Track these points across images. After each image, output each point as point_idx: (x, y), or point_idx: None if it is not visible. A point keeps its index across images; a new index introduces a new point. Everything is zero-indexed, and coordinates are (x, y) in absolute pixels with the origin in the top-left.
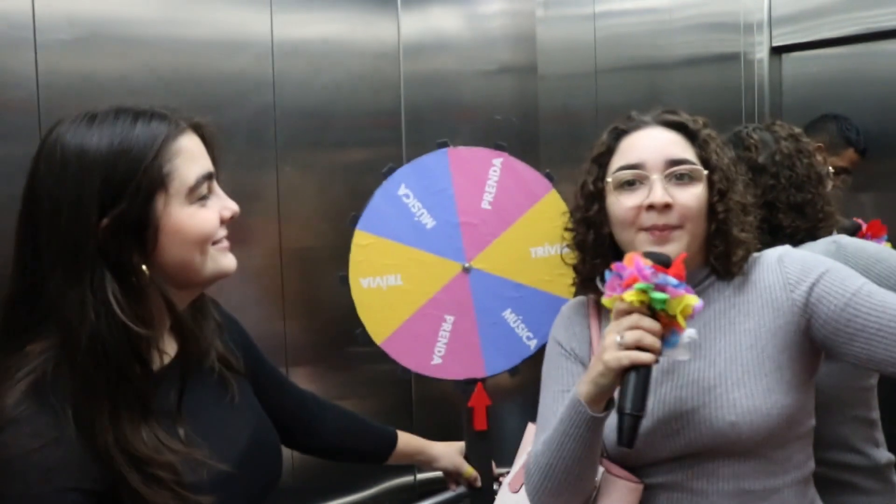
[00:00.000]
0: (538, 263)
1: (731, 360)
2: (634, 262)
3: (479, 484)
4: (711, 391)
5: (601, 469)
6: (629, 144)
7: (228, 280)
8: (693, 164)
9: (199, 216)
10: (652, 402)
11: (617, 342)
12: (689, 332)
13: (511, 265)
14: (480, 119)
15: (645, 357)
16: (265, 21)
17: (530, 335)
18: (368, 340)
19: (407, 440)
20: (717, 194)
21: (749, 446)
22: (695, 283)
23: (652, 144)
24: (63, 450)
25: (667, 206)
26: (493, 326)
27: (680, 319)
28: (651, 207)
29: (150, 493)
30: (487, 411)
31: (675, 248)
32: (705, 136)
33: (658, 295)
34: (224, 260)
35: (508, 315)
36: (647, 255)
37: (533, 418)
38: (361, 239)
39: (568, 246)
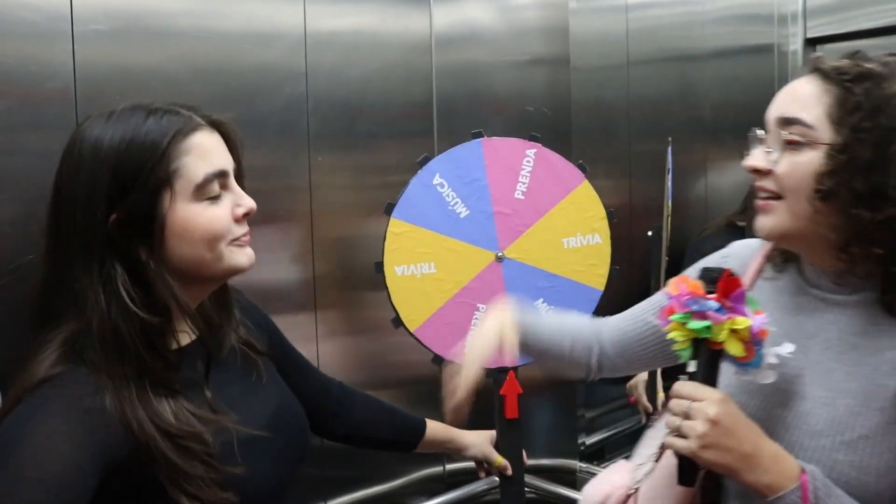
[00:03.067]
0: (570, 254)
1: (854, 413)
2: (676, 288)
3: (509, 472)
4: (816, 437)
5: None
6: None
7: (260, 270)
8: (805, 124)
9: (206, 214)
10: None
11: (670, 424)
12: (773, 351)
13: (543, 255)
14: (512, 111)
15: (677, 444)
16: (298, 13)
17: None
18: (402, 328)
19: (436, 428)
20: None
21: None
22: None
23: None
24: (101, 403)
25: (757, 171)
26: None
27: (731, 346)
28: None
29: (186, 465)
30: (519, 400)
31: (770, 221)
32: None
33: (696, 324)
34: (238, 256)
35: (540, 304)
36: (704, 271)
37: (563, 407)
38: (396, 227)
39: None
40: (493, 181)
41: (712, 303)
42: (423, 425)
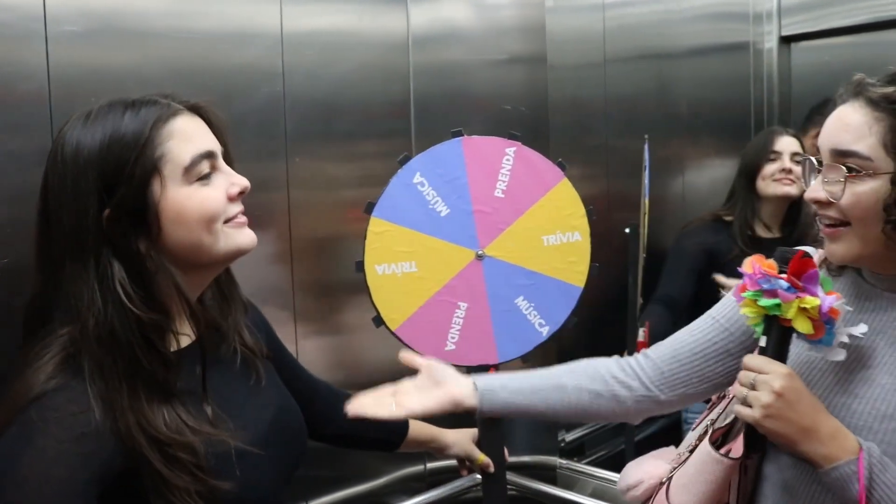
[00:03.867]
0: (550, 251)
1: None
2: (751, 266)
3: (491, 470)
4: (885, 420)
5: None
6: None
7: (238, 270)
8: (862, 156)
9: (199, 195)
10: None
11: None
12: (846, 331)
13: (523, 253)
14: (490, 109)
15: (743, 412)
16: (275, 12)
17: (542, 322)
18: (383, 327)
19: (418, 428)
20: None
21: None
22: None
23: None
24: (94, 421)
25: (819, 202)
26: (506, 313)
27: (799, 323)
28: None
29: (170, 476)
30: None
31: (841, 248)
32: None
33: (767, 301)
34: (240, 236)
35: (521, 302)
36: (779, 252)
37: None
38: (376, 226)
39: None
40: (473, 180)
41: (783, 282)
42: (406, 425)
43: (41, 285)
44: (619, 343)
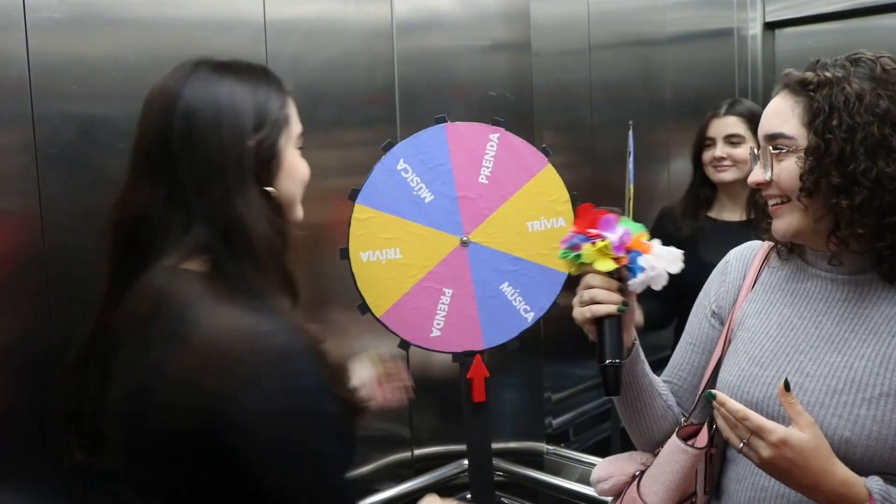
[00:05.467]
0: (534, 237)
1: (873, 373)
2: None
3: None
4: (836, 395)
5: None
6: None
7: None
8: (787, 136)
9: (303, 161)
10: (762, 378)
11: (576, 302)
12: (644, 261)
13: (508, 239)
14: (474, 96)
15: (602, 309)
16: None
17: (527, 308)
18: (368, 314)
19: None
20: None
21: (853, 466)
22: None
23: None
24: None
25: (759, 184)
26: (491, 299)
27: (600, 263)
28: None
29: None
30: (486, 383)
31: (782, 223)
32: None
33: (569, 253)
34: (300, 209)
35: (506, 288)
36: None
37: (529, 390)
38: (361, 213)
39: None
40: (458, 166)
41: (580, 235)
42: None
43: (154, 218)
44: None
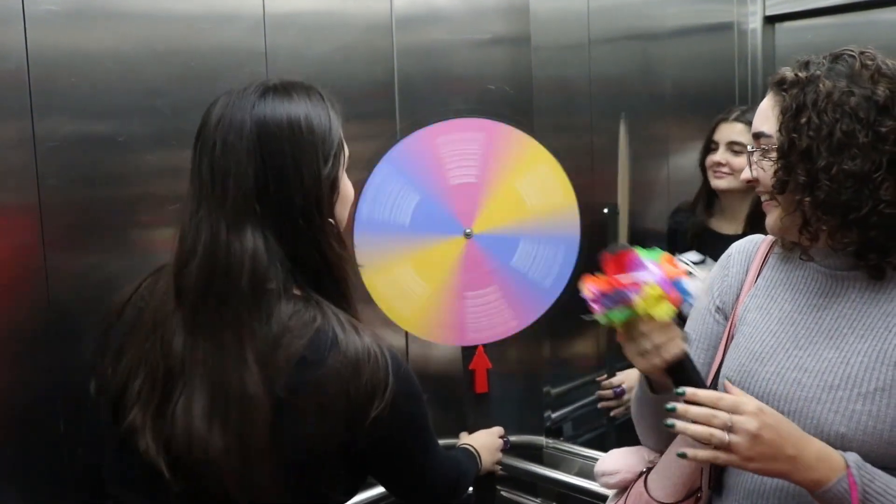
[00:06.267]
0: (531, 201)
1: (868, 368)
2: (589, 290)
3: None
4: (832, 390)
5: None
6: None
7: None
8: (766, 135)
9: (350, 185)
10: (762, 374)
11: (633, 355)
12: (690, 286)
13: (509, 217)
14: (474, 90)
15: (674, 350)
16: None
17: (545, 274)
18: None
19: None
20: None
21: None
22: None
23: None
24: None
25: (750, 182)
26: (511, 281)
27: (658, 311)
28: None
29: None
30: (487, 375)
31: (770, 218)
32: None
33: (620, 314)
34: None
35: (520, 264)
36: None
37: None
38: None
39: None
40: (437, 169)
41: (620, 290)
42: None
43: (275, 247)
44: None
